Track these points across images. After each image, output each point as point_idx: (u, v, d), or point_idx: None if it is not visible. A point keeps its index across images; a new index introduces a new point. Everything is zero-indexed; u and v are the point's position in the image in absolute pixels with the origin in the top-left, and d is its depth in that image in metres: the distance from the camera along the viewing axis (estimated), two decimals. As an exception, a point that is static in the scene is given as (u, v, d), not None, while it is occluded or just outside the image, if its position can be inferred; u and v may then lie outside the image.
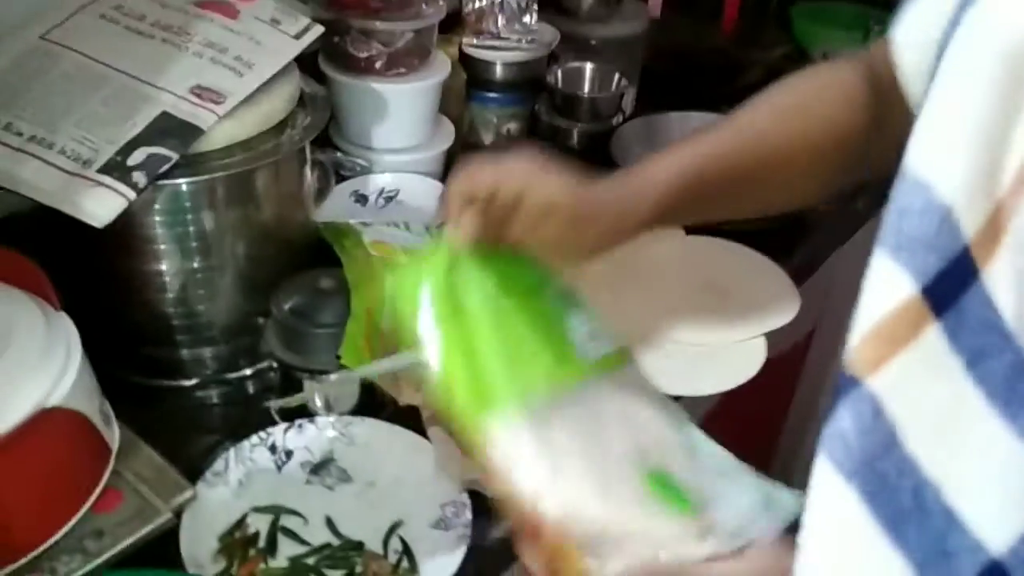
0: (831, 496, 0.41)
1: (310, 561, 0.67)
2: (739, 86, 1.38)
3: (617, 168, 1.14)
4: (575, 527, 0.52)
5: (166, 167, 0.67)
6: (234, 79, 0.72)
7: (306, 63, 0.87)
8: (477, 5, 1.17)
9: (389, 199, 1.03)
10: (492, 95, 1.19)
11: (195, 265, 0.75)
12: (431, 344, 0.56)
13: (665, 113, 1.26)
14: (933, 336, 0.38)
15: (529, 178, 0.58)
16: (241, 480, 0.72)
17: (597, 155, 1.17)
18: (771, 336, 0.92)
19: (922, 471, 0.38)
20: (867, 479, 0.40)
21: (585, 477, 0.54)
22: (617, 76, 1.25)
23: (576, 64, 1.26)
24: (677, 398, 0.84)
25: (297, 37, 0.77)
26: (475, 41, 1.17)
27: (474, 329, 0.57)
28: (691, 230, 1.06)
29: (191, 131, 0.68)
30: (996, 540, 0.36)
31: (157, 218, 0.71)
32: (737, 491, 0.56)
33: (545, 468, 0.53)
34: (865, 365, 0.40)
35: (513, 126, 1.23)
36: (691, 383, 0.85)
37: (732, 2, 1.43)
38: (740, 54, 1.41)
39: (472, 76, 1.18)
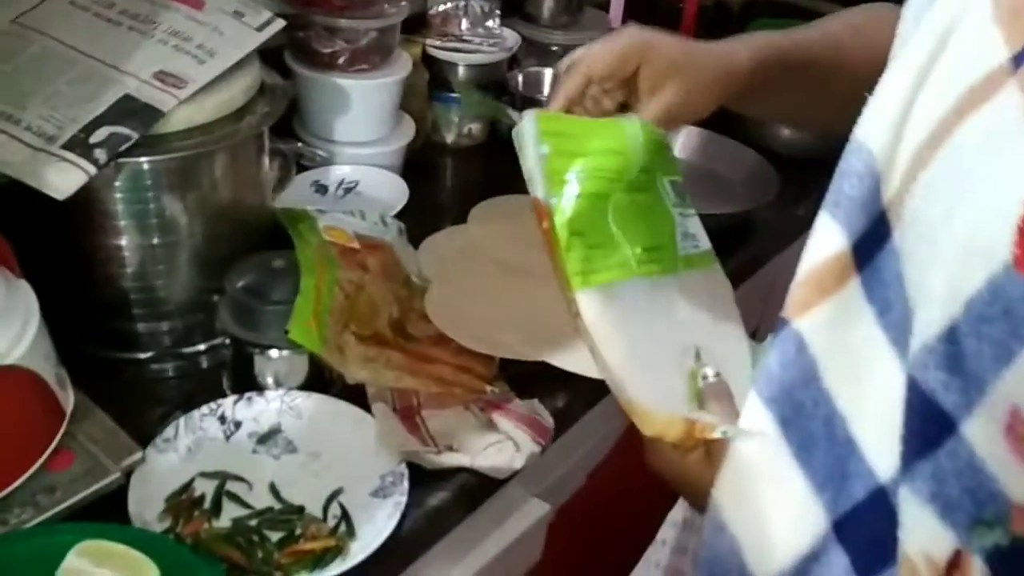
0: (751, 420, 0.46)
1: (252, 523, 0.71)
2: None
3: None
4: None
5: (126, 146, 0.70)
6: (196, 66, 0.76)
7: (271, 56, 0.91)
8: (442, 8, 1.22)
9: (348, 190, 1.07)
10: (455, 95, 1.24)
11: (153, 242, 0.78)
12: (569, 192, 0.58)
13: (621, 118, 1.32)
14: (854, 287, 0.43)
15: (646, 49, 0.64)
16: (190, 447, 0.76)
17: (554, 156, 1.22)
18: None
19: (834, 403, 0.43)
20: (784, 407, 0.44)
21: (645, 363, 0.58)
22: (576, 82, 1.30)
23: (537, 69, 1.31)
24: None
25: (259, 29, 0.81)
26: (439, 42, 1.22)
27: (597, 201, 0.60)
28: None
29: (152, 113, 0.72)
30: (884, 467, 0.41)
31: (118, 195, 0.75)
32: None
33: (621, 348, 0.57)
34: (795, 308, 0.45)
35: (474, 126, 1.28)
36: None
37: (690, 15, 1.48)
38: (697, 65, 1.47)
39: (435, 76, 1.22)
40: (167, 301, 0.82)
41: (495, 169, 1.27)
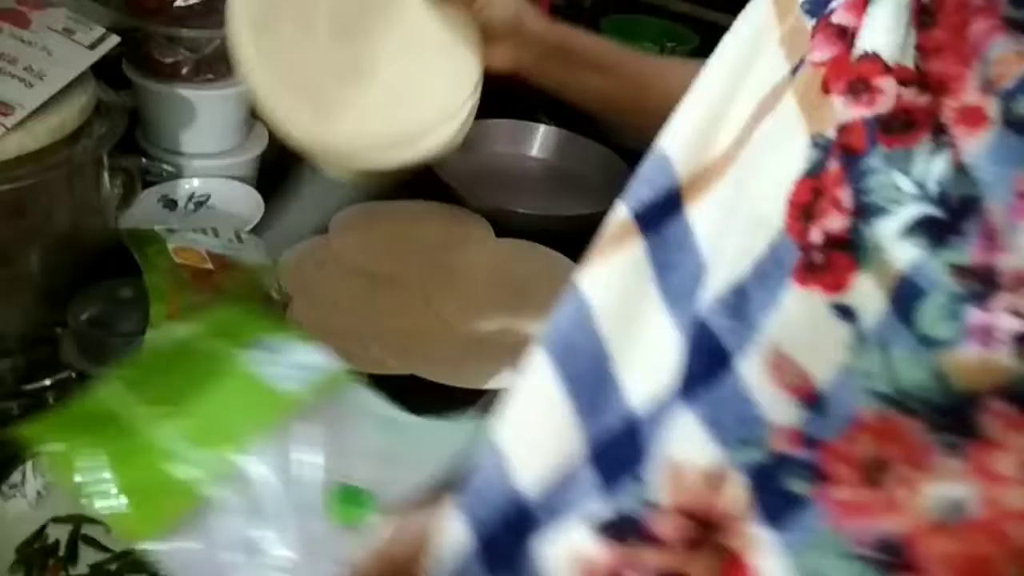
0: (533, 365, 0.50)
1: (112, 567, 0.68)
2: (552, 96, 1.47)
3: (439, 182, 1.19)
4: None
5: (-52, 180, 0.66)
6: (23, 90, 0.72)
7: (106, 65, 0.86)
8: (292, 11, 1.19)
9: (200, 204, 1.04)
10: (309, 100, 1.21)
11: (-14, 277, 0.74)
12: None
13: (479, 120, 1.32)
14: (637, 250, 0.50)
15: None
16: (40, 492, 0.72)
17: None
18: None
19: (603, 345, 0.49)
20: (560, 348, 0.50)
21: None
22: (433, 83, 1.29)
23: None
24: (481, 393, 0.90)
25: (92, 47, 0.77)
26: (290, 47, 1.19)
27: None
28: (501, 233, 1.12)
29: (-24, 143, 0.68)
30: (638, 404, 0.47)
31: (-58, 230, 0.70)
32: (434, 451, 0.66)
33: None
34: (582, 270, 0.51)
35: (332, 130, 1.25)
36: (494, 378, 0.91)
37: (542, 12, 1.49)
38: (552, 64, 1.49)
39: (288, 81, 1.19)
40: (6, 337, 0.78)
41: (355, 174, 1.25)
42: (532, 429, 0.49)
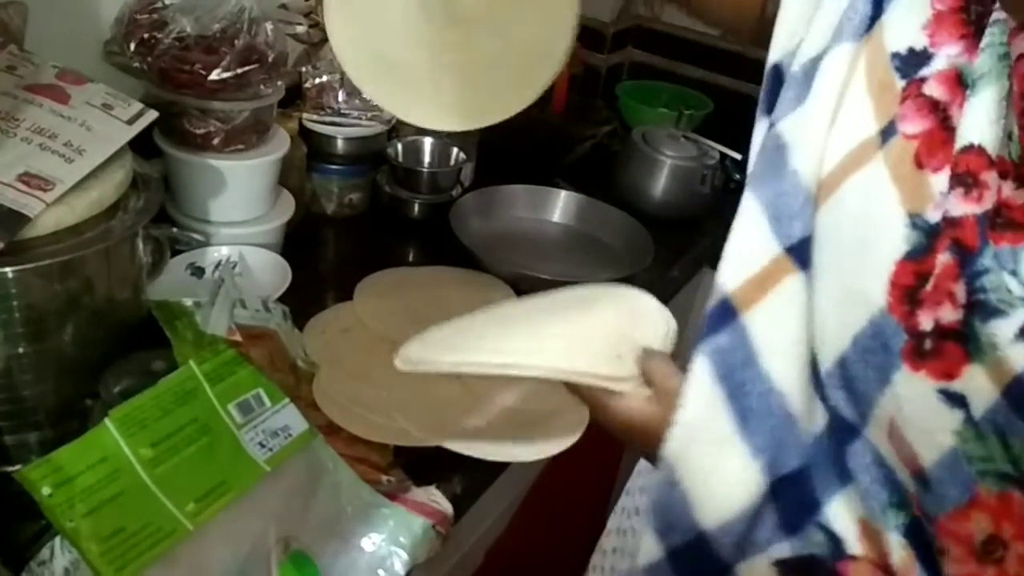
0: (702, 392, 0.51)
1: (139, 648, 0.67)
2: (570, 160, 1.49)
3: (460, 247, 1.19)
4: None
5: (-10, 256, 0.66)
6: (64, 165, 0.72)
7: (140, 136, 0.86)
8: (318, 80, 1.21)
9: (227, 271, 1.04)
10: (334, 167, 1.23)
11: (19, 351, 0.73)
12: None
13: (500, 186, 1.34)
14: (797, 284, 0.50)
15: None
16: (67, 568, 0.71)
17: (437, 225, 1.23)
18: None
19: (772, 381, 0.49)
20: (729, 383, 0.50)
21: None
22: (455, 151, 1.31)
23: (415, 138, 1.31)
24: (505, 465, 0.89)
25: (130, 123, 0.78)
26: (316, 116, 1.21)
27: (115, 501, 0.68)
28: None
29: (17, 219, 0.68)
30: (808, 439, 0.49)
31: (-21, 305, 0.70)
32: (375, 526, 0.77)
33: None
34: (743, 303, 0.51)
35: (355, 196, 1.27)
36: (520, 450, 0.90)
37: (562, 82, 1.52)
38: (570, 130, 1.51)
39: (313, 149, 1.21)
40: (36, 411, 0.77)
41: (378, 239, 1.26)
42: (709, 470, 0.50)
